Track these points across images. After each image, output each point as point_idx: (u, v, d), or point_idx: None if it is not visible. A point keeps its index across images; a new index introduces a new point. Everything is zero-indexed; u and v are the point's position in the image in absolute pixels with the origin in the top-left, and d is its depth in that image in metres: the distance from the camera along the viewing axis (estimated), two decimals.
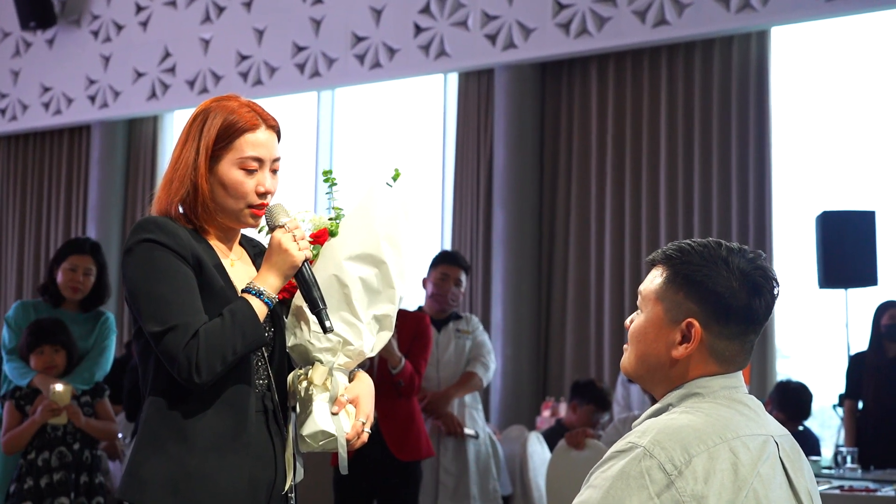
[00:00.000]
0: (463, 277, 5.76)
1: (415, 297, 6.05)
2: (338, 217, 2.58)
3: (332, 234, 2.54)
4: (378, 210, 2.52)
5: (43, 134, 10.85)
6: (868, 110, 7.89)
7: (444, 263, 5.74)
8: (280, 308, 2.55)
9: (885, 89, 7.77)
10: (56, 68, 10.47)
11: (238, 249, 2.61)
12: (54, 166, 10.78)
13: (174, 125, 10.35)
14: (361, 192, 2.57)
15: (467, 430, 5.73)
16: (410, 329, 5.18)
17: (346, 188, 2.62)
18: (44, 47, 10.59)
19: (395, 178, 2.58)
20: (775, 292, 2.08)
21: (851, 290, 7.05)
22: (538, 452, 6.31)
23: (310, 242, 2.50)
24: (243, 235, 2.65)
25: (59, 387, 4.76)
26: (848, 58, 7.99)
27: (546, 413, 7.59)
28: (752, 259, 2.08)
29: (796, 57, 7.99)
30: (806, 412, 6.45)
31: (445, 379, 5.75)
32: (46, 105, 10.53)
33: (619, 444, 1.99)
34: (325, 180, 2.61)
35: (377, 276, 2.51)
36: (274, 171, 2.52)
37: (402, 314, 4.82)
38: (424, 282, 5.75)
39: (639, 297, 2.17)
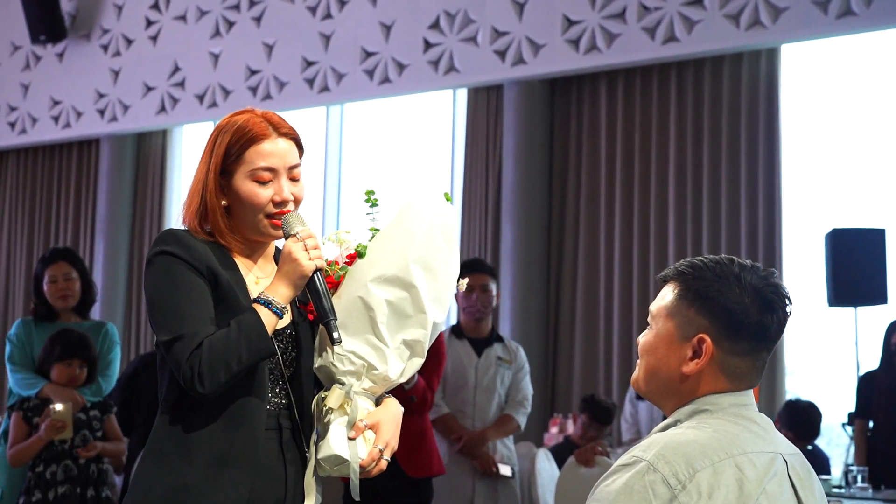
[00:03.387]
0: (490, 282, 5.70)
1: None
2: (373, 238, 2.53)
3: (361, 255, 2.50)
4: (410, 232, 2.47)
5: (52, 147, 10.87)
6: (878, 128, 7.87)
7: (466, 274, 5.69)
8: (307, 328, 2.52)
9: (895, 107, 7.74)
10: (66, 82, 10.50)
11: (268, 267, 2.57)
12: (63, 180, 10.79)
13: (183, 139, 10.37)
14: (394, 213, 2.52)
15: (502, 470, 5.69)
16: None
17: (356, 204, 2.60)
18: (54, 61, 10.62)
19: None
20: (788, 310, 2.07)
21: (861, 309, 7.02)
22: (547, 469, 6.28)
23: (346, 264, 2.48)
24: (278, 249, 2.61)
25: (58, 406, 4.76)
26: (858, 75, 7.98)
27: (554, 429, 7.56)
28: (765, 276, 2.07)
29: (806, 74, 7.98)
30: (815, 431, 6.40)
31: (481, 406, 5.71)
32: (56, 118, 10.55)
33: (624, 458, 1.99)
34: (367, 200, 2.56)
35: (407, 299, 2.44)
36: (294, 179, 2.51)
37: None
38: (457, 297, 5.67)
39: (649, 315, 2.15)
